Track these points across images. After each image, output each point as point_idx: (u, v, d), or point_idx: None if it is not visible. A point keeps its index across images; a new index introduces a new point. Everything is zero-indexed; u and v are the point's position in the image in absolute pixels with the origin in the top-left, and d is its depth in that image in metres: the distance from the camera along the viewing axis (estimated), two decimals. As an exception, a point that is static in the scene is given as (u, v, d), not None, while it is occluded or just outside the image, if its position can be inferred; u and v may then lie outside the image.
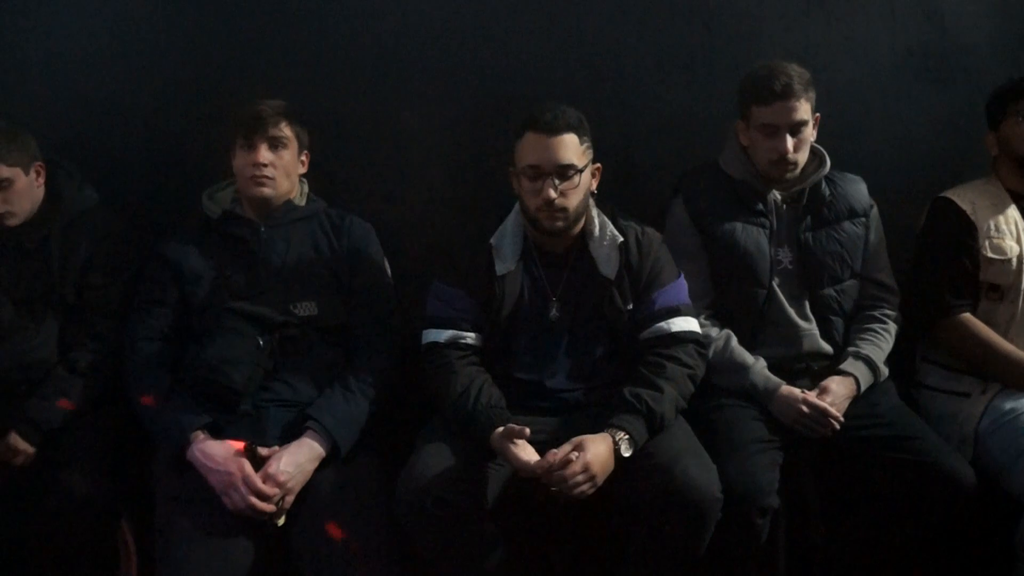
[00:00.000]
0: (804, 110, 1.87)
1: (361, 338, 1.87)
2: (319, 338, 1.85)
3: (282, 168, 1.87)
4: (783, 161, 1.89)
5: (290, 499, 1.68)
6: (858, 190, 2.01)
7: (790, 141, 1.87)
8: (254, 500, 1.63)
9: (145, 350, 1.83)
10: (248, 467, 1.66)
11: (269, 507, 1.64)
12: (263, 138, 1.84)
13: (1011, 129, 1.97)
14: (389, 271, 1.98)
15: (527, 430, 1.65)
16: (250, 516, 1.64)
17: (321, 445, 1.72)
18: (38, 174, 1.92)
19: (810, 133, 1.92)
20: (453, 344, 1.80)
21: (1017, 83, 1.98)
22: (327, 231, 1.93)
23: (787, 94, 1.85)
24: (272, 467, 1.67)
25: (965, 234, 1.94)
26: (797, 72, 1.88)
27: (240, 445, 1.70)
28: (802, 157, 1.92)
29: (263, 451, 1.70)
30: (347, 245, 1.92)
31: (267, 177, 1.85)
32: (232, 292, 1.84)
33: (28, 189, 1.89)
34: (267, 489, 1.64)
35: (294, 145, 1.90)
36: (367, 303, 1.90)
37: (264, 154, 1.84)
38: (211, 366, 1.76)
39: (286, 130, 1.87)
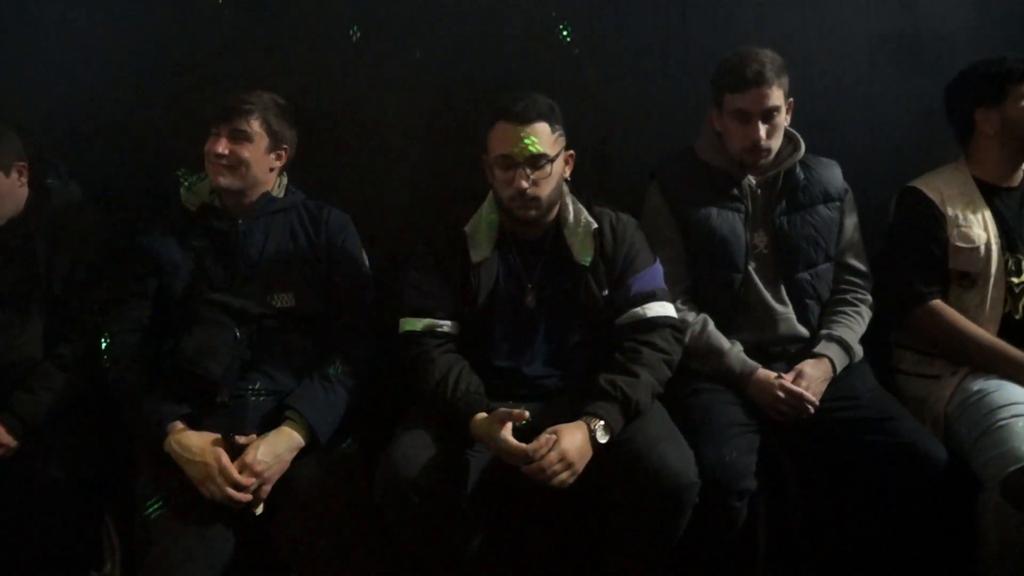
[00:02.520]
0: (776, 96, 1.88)
1: (339, 328, 1.88)
2: (297, 329, 1.86)
3: (243, 162, 1.85)
4: (756, 148, 1.90)
5: (267, 488, 1.68)
6: (833, 175, 2.02)
7: (763, 128, 1.88)
8: (230, 491, 1.64)
9: (124, 342, 1.83)
10: (224, 458, 1.66)
11: (245, 497, 1.65)
12: (227, 129, 1.85)
13: (1010, 111, 1.95)
14: (367, 262, 1.98)
15: (526, 413, 1.65)
16: (228, 506, 1.65)
17: (300, 434, 1.73)
18: (20, 173, 1.92)
19: (783, 119, 1.93)
20: (430, 332, 1.81)
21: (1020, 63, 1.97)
22: (305, 223, 1.94)
23: (759, 81, 1.86)
24: (249, 456, 1.67)
25: (933, 223, 1.96)
26: (769, 58, 1.89)
27: (217, 435, 1.70)
28: (775, 143, 1.93)
29: (241, 439, 1.70)
30: (325, 236, 1.92)
31: (223, 166, 1.85)
32: (210, 284, 1.84)
33: (11, 189, 1.89)
34: (243, 479, 1.65)
35: (263, 141, 1.88)
36: (345, 294, 1.90)
37: (223, 145, 1.84)
38: (189, 357, 1.76)
39: (254, 124, 1.86)
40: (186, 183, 1.95)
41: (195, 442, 1.69)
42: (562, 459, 1.60)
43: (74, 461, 1.78)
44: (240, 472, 1.65)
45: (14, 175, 1.90)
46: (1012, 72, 1.96)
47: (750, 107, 1.88)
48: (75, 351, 1.88)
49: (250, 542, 1.69)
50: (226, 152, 1.84)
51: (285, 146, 1.94)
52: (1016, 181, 2.03)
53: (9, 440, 1.79)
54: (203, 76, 2.17)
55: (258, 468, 1.66)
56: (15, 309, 1.89)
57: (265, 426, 1.75)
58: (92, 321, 1.90)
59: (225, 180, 1.85)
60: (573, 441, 1.62)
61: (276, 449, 1.70)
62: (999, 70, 1.98)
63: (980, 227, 1.96)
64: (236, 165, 1.85)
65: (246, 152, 1.86)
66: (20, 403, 1.82)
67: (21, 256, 1.90)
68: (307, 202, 1.98)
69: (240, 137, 1.85)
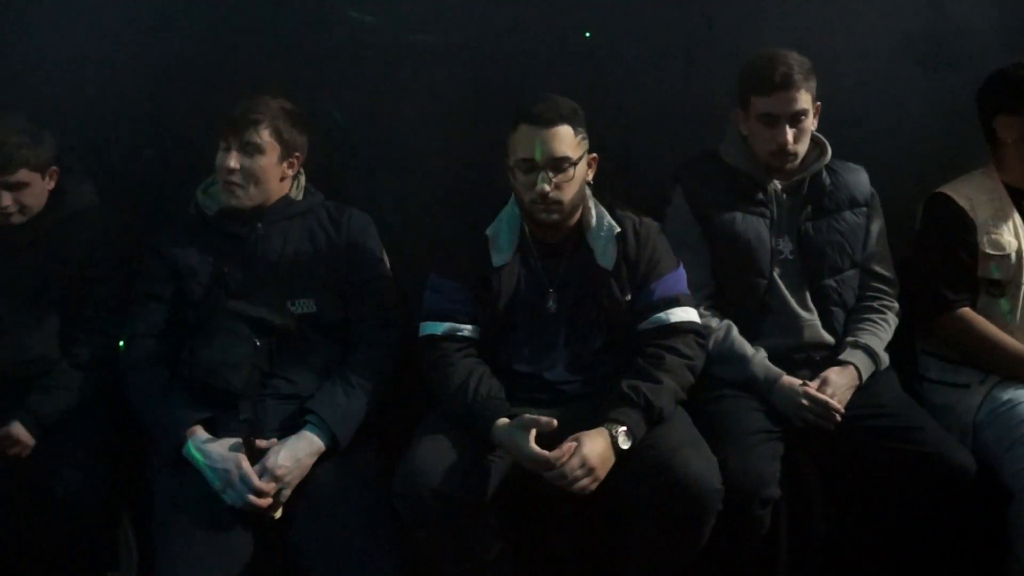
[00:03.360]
0: (804, 100, 1.86)
1: (360, 332, 1.86)
2: (317, 335, 1.84)
3: (254, 176, 1.81)
4: (783, 152, 1.88)
5: (287, 493, 1.67)
6: (859, 179, 2.00)
7: (790, 132, 1.86)
8: (251, 497, 1.63)
9: (141, 346, 1.82)
10: (245, 463, 1.65)
11: (266, 502, 1.64)
12: (237, 142, 1.79)
13: None
14: (388, 263, 1.96)
15: (554, 422, 1.63)
16: (247, 511, 1.64)
17: (320, 439, 1.72)
18: (52, 177, 1.93)
19: (811, 123, 1.91)
20: (451, 337, 1.79)
21: None
22: (325, 225, 1.91)
23: (787, 84, 1.83)
24: (270, 461, 1.66)
25: (963, 230, 1.93)
26: (797, 61, 1.86)
27: (237, 439, 1.69)
28: (802, 148, 1.91)
29: (261, 443, 1.69)
30: (346, 238, 1.90)
31: (235, 184, 1.80)
32: (229, 289, 1.82)
33: (42, 192, 1.91)
34: (264, 485, 1.64)
35: (275, 152, 1.82)
36: (366, 296, 1.88)
37: (234, 159, 1.79)
38: (208, 369, 1.74)
39: (264, 135, 1.80)
40: (203, 187, 1.93)
41: (215, 448, 1.68)
42: (584, 465, 1.59)
43: (91, 463, 1.78)
44: (260, 476, 1.64)
45: (47, 179, 1.92)
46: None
47: (777, 110, 1.85)
48: (91, 351, 1.88)
49: (268, 547, 1.68)
50: (237, 167, 1.80)
51: (297, 154, 1.89)
52: None
53: (28, 439, 1.80)
54: (223, 77, 2.15)
55: (279, 472, 1.65)
56: (30, 309, 1.90)
57: (285, 429, 1.74)
58: (108, 321, 1.90)
59: (236, 200, 1.82)
60: (595, 447, 1.61)
61: (296, 454, 1.69)
62: (1019, 76, 1.95)
63: (1011, 234, 1.93)
64: (248, 179, 1.81)
65: (258, 164, 1.81)
66: (37, 403, 1.82)
67: (36, 255, 1.91)
68: (327, 203, 1.96)
69: (251, 150, 1.80)
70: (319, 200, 1.95)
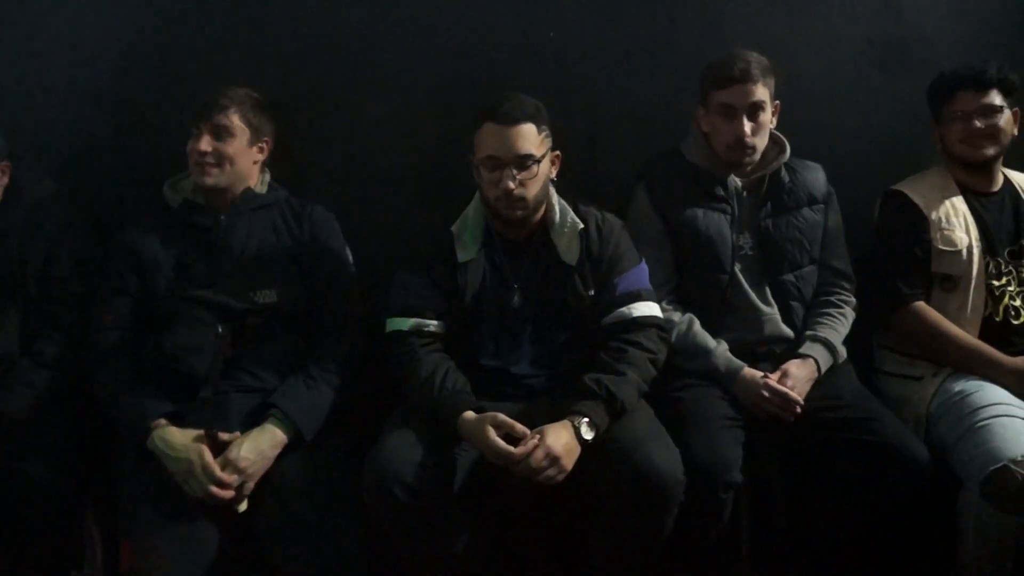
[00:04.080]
0: (761, 93, 1.90)
1: (323, 325, 1.88)
2: (280, 326, 1.86)
3: (227, 158, 1.86)
4: (741, 144, 1.91)
5: (250, 485, 1.68)
6: (817, 177, 2.04)
7: (747, 124, 1.90)
8: (213, 488, 1.63)
9: (106, 339, 1.83)
10: (207, 455, 1.66)
11: (228, 494, 1.65)
12: (208, 126, 1.85)
13: (946, 128, 2.02)
14: (351, 259, 1.98)
15: (528, 431, 1.65)
16: (211, 503, 1.65)
17: (283, 432, 1.72)
18: (3, 173, 1.91)
19: (768, 119, 1.95)
20: (417, 332, 1.81)
21: (947, 80, 2.02)
22: (288, 219, 1.94)
23: (744, 77, 1.88)
24: (232, 453, 1.67)
25: (917, 226, 1.98)
26: (755, 58, 1.91)
27: (200, 431, 1.69)
28: (760, 142, 1.95)
29: (224, 436, 1.70)
30: (308, 233, 1.92)
31: (209, 164, 1.85)
32: (192, 280, 1.83)
33: None
34: (226, 477, 1.64)
35: (244, 135, 1.89)
36: (329, 291, 1.90)
37: (206, 142, 1.84)
38: (172, 354, 1.76)
39: (233, 119, 1.86)
40: (170, 182, 1.94)
41: (178, 439, 1.68)
42: (548, 456, 1.61)
43: (55, 459, 1.77)
44: (223, 469, 1.65)
45: None
46: (942, 90, 2.02)
47: (735, 102, 1.90)
48: (54, 347, 1.87)
49: (234, 540, 1.69)
50: (209, 149, 1.84)
51: (266, 138, 1.95)
52: (996, 186, 2.06)
53: None
54: (191, 72, 2.16)
55: (241, 465, 1.66)
56: None
57: (248, 423, 1.75)
58: (70, 317, 1.89)
59: (211, 179, 1.86)
60: (559, 439, 1.63)
61: (259, 446, 1.69)
62: (937, 87, 2.03)
63: (962, 230, 1.98)
64: (220, 161, 1.85)
65: (230, 147, 1.86)
66: (1, 401, 1.80)
67: None
68: (290, 199, 1.98)
69: (222, 133, 1.85)
70: (283, 196, 1.98)
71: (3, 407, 1.80)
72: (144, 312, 1.86)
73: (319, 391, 1.78)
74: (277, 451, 1.72)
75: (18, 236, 1.90)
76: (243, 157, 1.89)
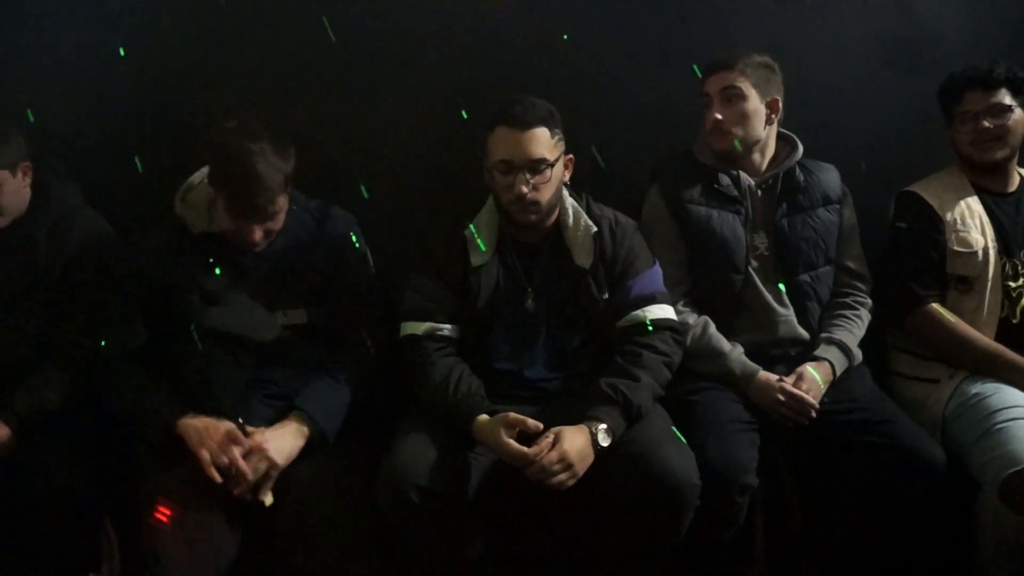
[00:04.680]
0: (739, 80, 1.90)
1: (346, 332, 1.86)
2: (305, 340, 1.83)
3: (277, 227, 1.80)
4: (715, 130, 1.92)
5: (275, 474, 1.67)
6: (831, 178, 2.04)
7: (718, 111, 1.91)
8: (239, 464, 1.63)
9: (124, 362, 1.80)
10: (238, 433, 1.67)
11: (251, 472, 1.64)
12: (262, 226, 1.75)
13: (956, 130, 2.02)
14: (371, 260, 1.96)
15: (541, 425, 1.65)
16: (236, 500, 1.65)
17: (306, 427, 1.72)
18: (24, 174, 1.92)
19: (754, 108, 1.92)
20: (431, 336, 1.81)
21: (955, 81, 2.01)
22: (311, 229, 1.87)
23: (721, 66, 1.90)
24: (257, 438, 1.67)
25: (932, 227, 1.97)
26: (745, 53, 1.93)
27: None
28: (743, 131, 1.92)
29: (250, 431, 1.69)
30: (330, 240, 1.87)
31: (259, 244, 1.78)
32: (213, 303, 1.79)
33: (16, 190, 1.89)
34: (247, 467, 1.64)
35: (286, 200, 1.79)
36: (352, 298, 1.87)
37: (259, 234, 1.75)
38: (194, 387, 1.74)
39: (280, 201, 1.76)
40: (180, 194, 1.86)
41: (208, 422, 1.68)
42: (562, 460, 1.61)
43: (74, 462, 1.78)
44: (249, 453, 1.65)
45: (19, 175, 1.90)
46: (950, 91, 2.01)
47: (709, 89, 1.93)
48: (75, 351, 1.87)
49: (254, 543, 1.69)
50: (263, 235, 1.77)
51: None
52: (1012, 186, 2.05)
53: (9, 439, 1.78)
54: (203, 74, 2.16)
55: (266, 446, 1.65)
56: (13, 309, 1.89)
57: (271, 424, 1.74)
58: (92, 322, 1.88)
59: (260, 247, 1.80)
60: (574, 443, 1.63)
61: (284, 435, 1.70)
62: (946, 88, 2.03)
63: (978, 231, 1.97)
64: (270, 233, 1.80)
65: (278, 221, 1.79)
66: (20, 403, 1.81)
67: (21, 256, 1.89)
68: (310, 204, 1.92)
69: (272, 215, 1.76)
70: (302, 203, 1.91)
71: (23, 409, 1.81)
72: (162, 332, 1.82)
73: (341, 394, 1.78)
74: (301, 444, 1.71)
75: (45, 242, 1.90)
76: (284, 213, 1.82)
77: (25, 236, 1.91)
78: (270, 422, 1.75)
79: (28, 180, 1.93)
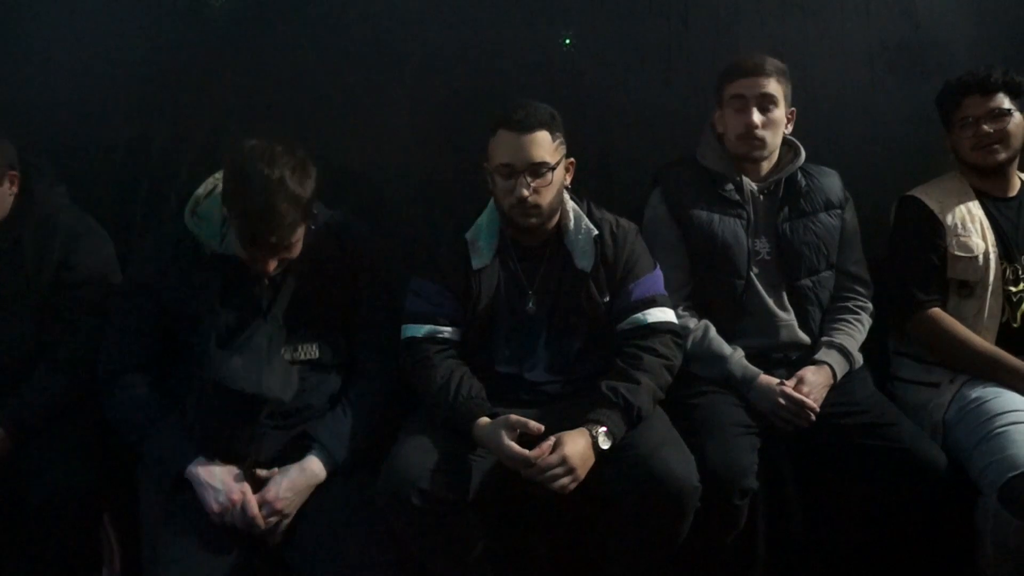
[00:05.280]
0: (774, 88, 1.92)
1: (362, 360, 1.83)
2: (316, 375, 1.79)
3: (292, 256, 1.71)
4: (750, 134, 1.92)
5: (286, 523, 1.66)
6: (833, 183, 2.04)
7: (757, 115, 1.91)
8: (252, 519, 1.62)
9: (129, 384, 1.76)
10: (249, 493, 1.64)
11: (264, 525, 1.63)
12: (275, 258, 1.68)
13: (957, 136, 2.02)
14: (387, 280, 1.89)
15: (542, 427, 1.65)
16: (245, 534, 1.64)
17: (323, 465, 1.70)
18: (12, 182, 1.90)
19: (781, 117, 1.95)
20: (432, 339, 1.81)
21: (953, 87, 2.02)
22: (330, 251, 1.79)
23: (756, 71, 1.91)
24: (271, 493, 1.64)
25: (933, 232, 1.98)
26: (771, 58, 1.94)
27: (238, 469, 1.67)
28: (772, 138, 1.95)
29: (262, 473, 1.67)
30: (351, 259, 1.81)
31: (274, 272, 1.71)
32: (221, 338, 1.71)
33: (2, 198, 1.88)
34: (262, 519, 1.63)
35: (303, 231, 1.69)
36: (370, 322, 1.84)
37: (272, 265, 1.68)
38: (207, 436, 1.69)
39: (298, 232, 1.66)
40: (188, 208, 1.74)
41: (219, 473, 1.65)
42: (563, 463, 1.61)
43: (72, 465, 1.78)
44: (261, 507, 1.63)
45: (6, 184, 1.89)
46: (949, 98, 2.02)
47: (745, 91, 1.92)
48: (70, 353, 1.87)
49: (264, 565, 1.67)
50: (277, 266, 1.70)
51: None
52: (1013, 191, 2.05)
53: (3, 443, 1.78)
54: (208, 82, 2.18)
55: (279, 506, 1.64)
56: (6, 312, 1.88)
57: (283, 452, 1.72)
58: (85, 323, 1.88)
59: (274, 272, 1.73)
60: (575, 447, 1.63)
61: (297, 485, 1.67)
62: (944, 95, 2.03)
63: (978, 236, 1.97)
64: (283, 262, 1.73)
65: (295, 249, 1.71)
66: (15, 406, 1.82)
67: (9, 259, 1.88)
68: (329, 221, 1.80)
69: (285, 250, 1.68)
70: (321, 220, 1.78)
71: (20, 413, 1.81)
72: (167, 349, 1.78)
73: (357, 421, 1.75)
74: (313, 488, 1.69)
75: (31, 244, 1.89)
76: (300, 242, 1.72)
77: (12, 240, 1.89)
78: (282, 451, 1.72)
79: (15, 188, 1.91)
